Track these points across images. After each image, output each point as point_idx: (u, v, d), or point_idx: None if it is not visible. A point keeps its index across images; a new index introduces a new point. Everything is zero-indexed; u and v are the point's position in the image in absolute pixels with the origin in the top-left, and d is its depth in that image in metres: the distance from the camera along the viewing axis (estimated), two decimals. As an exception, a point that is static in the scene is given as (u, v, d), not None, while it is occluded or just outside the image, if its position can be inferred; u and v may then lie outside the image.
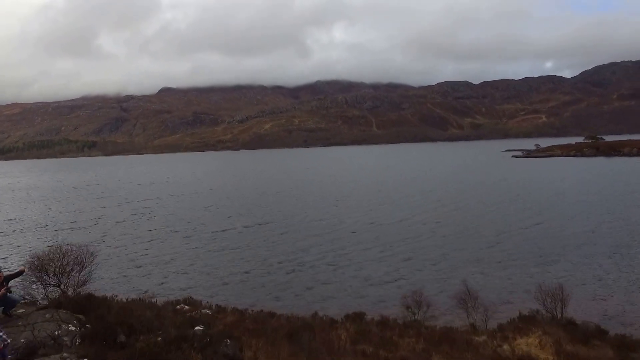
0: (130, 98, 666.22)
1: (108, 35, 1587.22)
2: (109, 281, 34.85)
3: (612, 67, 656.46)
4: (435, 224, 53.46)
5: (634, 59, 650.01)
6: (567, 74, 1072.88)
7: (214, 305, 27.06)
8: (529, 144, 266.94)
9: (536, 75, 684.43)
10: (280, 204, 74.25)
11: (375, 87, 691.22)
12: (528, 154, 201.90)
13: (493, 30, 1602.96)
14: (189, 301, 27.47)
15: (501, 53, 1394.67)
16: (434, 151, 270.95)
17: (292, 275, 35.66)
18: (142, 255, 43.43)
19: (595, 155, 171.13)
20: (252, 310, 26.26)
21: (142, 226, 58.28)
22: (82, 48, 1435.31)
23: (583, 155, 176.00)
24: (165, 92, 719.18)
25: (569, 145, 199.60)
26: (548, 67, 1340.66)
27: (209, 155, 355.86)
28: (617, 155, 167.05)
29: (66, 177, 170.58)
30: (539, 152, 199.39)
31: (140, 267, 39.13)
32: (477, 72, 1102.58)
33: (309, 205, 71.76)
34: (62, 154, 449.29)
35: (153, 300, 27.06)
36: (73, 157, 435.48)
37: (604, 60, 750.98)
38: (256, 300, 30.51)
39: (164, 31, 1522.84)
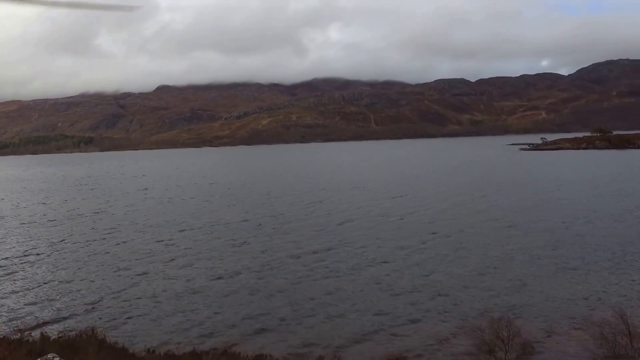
0: (127, 95, 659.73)
1: (107, 36, 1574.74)
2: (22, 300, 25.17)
3: (609, 65, 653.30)
4: (474, 217, 44.05)
5: (631, 57, 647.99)
6: (564, 71, 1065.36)
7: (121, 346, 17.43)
8: (531, 139, 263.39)
9: (533, 73, 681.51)
10: (281, 196, 65.95)
11: (372, 84, 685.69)
12: (536, 147, 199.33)
13: (486, 30, 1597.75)
14: (76, 341, 16.86)
15: (496, 51, 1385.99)
16: (437, 146, 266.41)
17: (290, 287, 26.03)
18: (104, 257, 34.06)
19: (607, 148, 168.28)
20: (201, 354, 17.02)
21: (115, 221, 49.64)
22: (81, 48, 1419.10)
23: (595, 148, 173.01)
24: (163, 89, 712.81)
25: (578, 139, 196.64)
26: (544, 65, 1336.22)
27: (206, 151, 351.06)
28: (632, 148, 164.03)
29: (52, 171, 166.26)
30: (547, 145, 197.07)
31: (77, 281, 27.90)
32: (473, 70, 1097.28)
33: (315, 197, 63.29)
34: (58, 149, 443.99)
35: (19, 336, 17.77)
36: (69, 152, 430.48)
37: (601, 58, 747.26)
38: (230, 329, 20.82)
39: (162, 32, 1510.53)
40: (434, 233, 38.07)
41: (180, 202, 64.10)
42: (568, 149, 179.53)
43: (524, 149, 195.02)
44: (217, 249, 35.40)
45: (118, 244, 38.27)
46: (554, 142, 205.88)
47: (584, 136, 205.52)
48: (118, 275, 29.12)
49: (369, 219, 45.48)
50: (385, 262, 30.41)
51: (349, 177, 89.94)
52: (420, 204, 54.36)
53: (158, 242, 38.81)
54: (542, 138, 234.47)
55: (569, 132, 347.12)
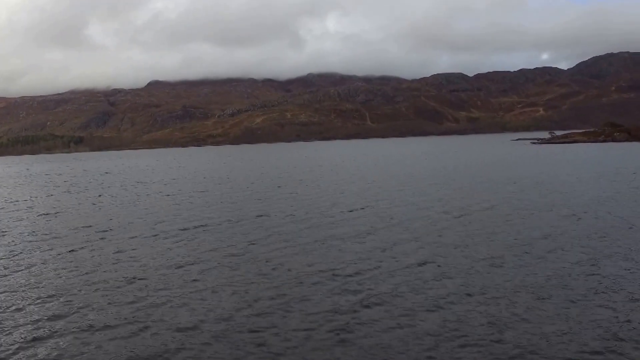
0: (117, 92, 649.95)
1: (98, 26, 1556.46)
2: None
3: (609, 58, 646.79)
4: (565, 219, 30.47)
5: (631, 50, 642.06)
6: (564, 65, 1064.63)
7: None
8: (534, 135, 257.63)
9: (532, 67, 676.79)
10: (291, 191, 52.74)
11: (368, 79, 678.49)
12: (549, 140, 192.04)
13: (488, 19, 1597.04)
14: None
15: (496, 44, 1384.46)
16: (443, 143, 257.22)
17: (318, 340, 13.68)
18: (35, 273, 21.71)
19: (627, 140, 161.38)
20: None
21: (83, 220, 37.25)
22: (71, 39, 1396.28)
23: (614, 140, 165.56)
24: (154, 85, 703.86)
25: (594, 132, 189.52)
26: (544, 59, 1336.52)
27: (199, 150, 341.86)
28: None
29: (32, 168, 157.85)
30: (560, 139, 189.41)
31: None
32: (472, 63, 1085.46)
33: (341, 193, 49.58)
34: (48, 149, 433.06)
35: None
36: (59, 152, 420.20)
37: (601, 51, 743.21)
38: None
39: (154, 21, 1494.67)
40: (519, 240, 24.76)
41: (163, 198, 51.19)
42: (584, 142, 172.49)
43: (535, 143, 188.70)
44: (204, 266, 21.66)
45: (60, 254, 25.34)
46: (566, 135, 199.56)
47: (595, 129, 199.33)
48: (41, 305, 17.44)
49: (421, 218, 32.62)
50: (481, 290, 17.35)
51: (374, 172, 76.23)
52: (481, 199, 41.18)
53: (117, 251, 25.74)
54: (550, 132, 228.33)
55: (568, 128, 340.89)
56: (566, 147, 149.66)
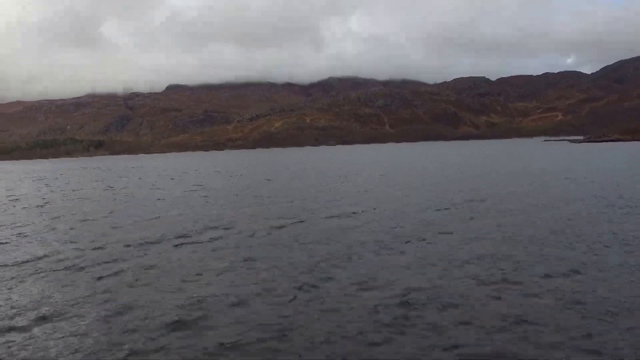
0: (136, 95, 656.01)
1: (115, 27, 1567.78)
2: None
3: (636, 62, 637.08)
4: None
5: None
6: (588, 69, 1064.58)
7: None
8: (556, 138, 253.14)
9: (556, 71, 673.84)
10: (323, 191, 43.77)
11: (388, 83, 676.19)
12: (589, 139, 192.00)
13: (515, 22, 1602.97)
14: None
15: (521, 47, 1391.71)
16: (476, 148, 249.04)
17: None
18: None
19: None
20: None
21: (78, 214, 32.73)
22: (88, 41, 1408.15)
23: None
24: (173, 89, 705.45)
25: (633, 131, 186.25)
26: (569, 63, 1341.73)
27: (219, 154, 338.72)
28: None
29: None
30: (600, 138, 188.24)
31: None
32: (496, 66, 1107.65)
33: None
34: (68, 153, 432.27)
35: None
36: (79, 156, 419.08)
37: (628, 55, 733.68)
38: None
39: (172, 22, 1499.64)
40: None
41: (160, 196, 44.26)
42: (628, 140, 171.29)
43: (574, 142, 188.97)
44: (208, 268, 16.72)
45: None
46: (604, 134, 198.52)
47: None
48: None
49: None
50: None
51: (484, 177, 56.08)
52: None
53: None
54: (585, 136, 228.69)
55: (587, 133, 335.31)
56: (617, 145, 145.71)
